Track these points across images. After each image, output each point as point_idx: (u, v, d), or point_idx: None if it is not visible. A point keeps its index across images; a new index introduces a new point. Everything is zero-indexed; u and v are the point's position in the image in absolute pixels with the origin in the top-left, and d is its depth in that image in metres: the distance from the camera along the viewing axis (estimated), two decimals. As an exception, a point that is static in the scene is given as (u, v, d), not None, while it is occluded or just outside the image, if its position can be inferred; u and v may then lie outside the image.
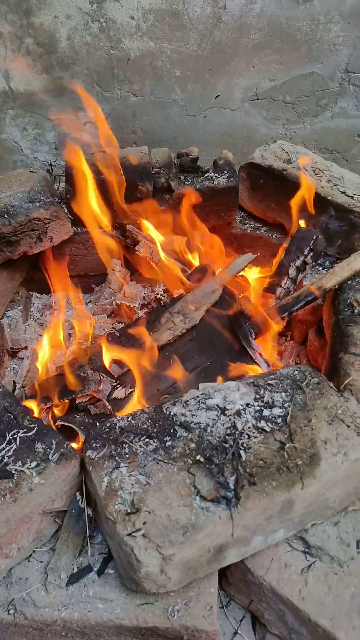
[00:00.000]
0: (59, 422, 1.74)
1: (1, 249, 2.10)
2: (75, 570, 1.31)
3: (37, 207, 2.15)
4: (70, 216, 2.30)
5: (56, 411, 1.83)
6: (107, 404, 1.78)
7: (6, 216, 2.08)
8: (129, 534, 1.16)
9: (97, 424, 1.74)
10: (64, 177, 2.36)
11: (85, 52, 2.75)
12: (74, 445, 1.54)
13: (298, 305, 1.95)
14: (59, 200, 2.36)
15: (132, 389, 1.83)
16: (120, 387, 1.85)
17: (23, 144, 2.99)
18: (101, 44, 2.74)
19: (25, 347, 2.21)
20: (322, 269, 2.31)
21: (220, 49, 2.81)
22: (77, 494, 1.38)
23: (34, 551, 1.37)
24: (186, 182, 2.39)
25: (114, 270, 2.42)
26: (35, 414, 1.73)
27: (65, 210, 2.30)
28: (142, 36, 2.74)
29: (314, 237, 2.18)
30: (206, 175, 2.43)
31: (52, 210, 2.17)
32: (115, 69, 2.82)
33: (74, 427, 1.69)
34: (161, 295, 2.35)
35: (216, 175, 2.41)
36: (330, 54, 2.87)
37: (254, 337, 1.89)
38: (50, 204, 2.19)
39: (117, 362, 1.92)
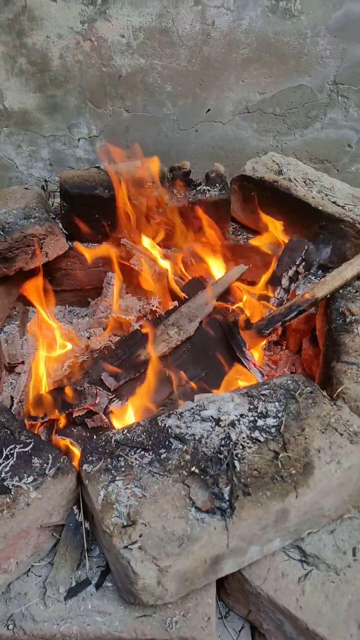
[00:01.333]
0: (56, 437, 1.75)
1: (-3, 266, 2.13)
2: (74, 583, 1.32)
3: (32, 223, 2.18)
4: (65, 231, 2.33)
5: (53, 425, 1.85)
6: (104, 417, 1.79)
7: (1, 233, 2.11)
8: (126, 547, 1.17)
9: (94, 437, 1.75)
10: (58, 193, 2.39)
11: (78, 70, 2.80)
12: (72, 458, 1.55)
13: (291, 315, 1.97)
14: (54, 216, 2.40)
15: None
16: (117, 400, 1.87)
17: (18, 160, 3.03)
18: (93, 61, 2.79)
19: (23, 362, 2.22)
20: (315, 279, 2.34)
21: (210, 64, 2.86)
22: (74, 507, 1.40)
23: (32, 566, 1.37)
24: (179, 196, 2.42)
25: (109, 284, 2.45)
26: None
27: (60, 226, 2.33)
28: (133, 53, 2.78)
29: (306, 248, 2.20)
30: (199, 188, 2.46)
31: (47, 226, 2.20)
32: (107, 86, 2.86)
33: (71, 440, 1.70)
34: (156, 307, 2.38)
35: (208, 188, 2.45)
36: (318, 66, 2.92)
37: (247, 347, 1.91)
38: (45, 220, 2.22)
39: (114, 375, 1.94)
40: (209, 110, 3.01)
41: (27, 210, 2.24)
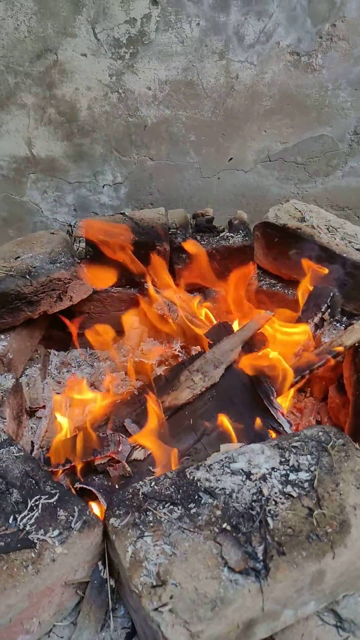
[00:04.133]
0: (77, 485, 1.71)
1: (22, 309, 2.14)
2: (97, 646, 1.25)
3: (57, 267, 2.20)
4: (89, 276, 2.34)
5: (73, 472, 1.81)
6: (127, 465, 1.75)
7: (28, 277, 2.13)
8: (156, 609, 1.11)
9: (117, 486, 1.71)
10: (84, 238, 2.42)
11: (105, 120, 2.89)
12: (95, 509, 1.51)
13: (319, 364, 1.94)
14: (79, 261, 2.42)
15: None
16: (140, 448, 1.83)
17: (43, 205, 3.10)
18: (119, 112, 2.88)
19: (44, 406, 2.20)
20: (340, 325, 2.32)
21: (233, 115, 2.94)
22: (99, 563, 1.34)
23: (54, 625, 1.31)
24: (202, 242, 2.44)
25: (131, 327, 2.44)
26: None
27: (85, 270, 2.35)
28: (159, 105, 2.87)
29: (331, 294, 2.19)
30: (222, 234, 2.48)
31: (72, 270, 2.22)
32: (133, 135, 2.94)
33: (94, 491, 1.65)
34: (178, 352, 2.36)
35: (232, 234, 2.47)
36: (339, 117, 2.99)
37: (275, 395, 1.88)
38: (71, 265, 2.24)
39: (137, 423, 1.90)
40: (231, 159, 3.07)
41: (53, 255, 2.27)
